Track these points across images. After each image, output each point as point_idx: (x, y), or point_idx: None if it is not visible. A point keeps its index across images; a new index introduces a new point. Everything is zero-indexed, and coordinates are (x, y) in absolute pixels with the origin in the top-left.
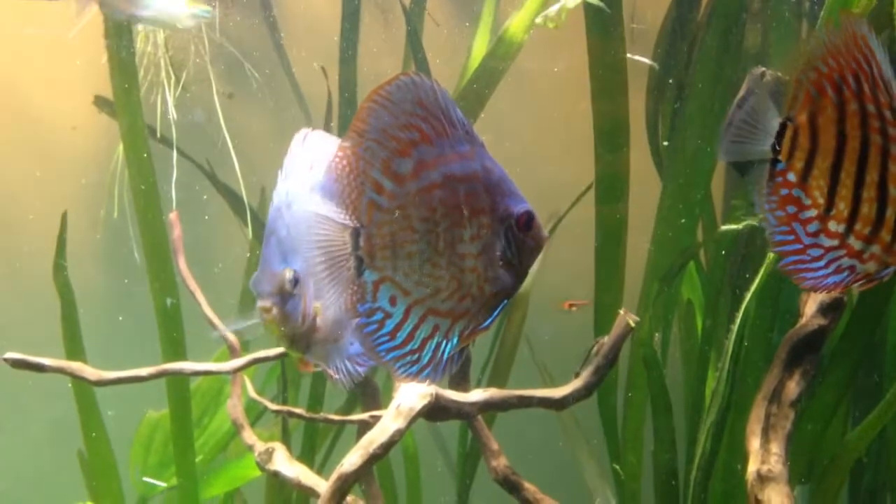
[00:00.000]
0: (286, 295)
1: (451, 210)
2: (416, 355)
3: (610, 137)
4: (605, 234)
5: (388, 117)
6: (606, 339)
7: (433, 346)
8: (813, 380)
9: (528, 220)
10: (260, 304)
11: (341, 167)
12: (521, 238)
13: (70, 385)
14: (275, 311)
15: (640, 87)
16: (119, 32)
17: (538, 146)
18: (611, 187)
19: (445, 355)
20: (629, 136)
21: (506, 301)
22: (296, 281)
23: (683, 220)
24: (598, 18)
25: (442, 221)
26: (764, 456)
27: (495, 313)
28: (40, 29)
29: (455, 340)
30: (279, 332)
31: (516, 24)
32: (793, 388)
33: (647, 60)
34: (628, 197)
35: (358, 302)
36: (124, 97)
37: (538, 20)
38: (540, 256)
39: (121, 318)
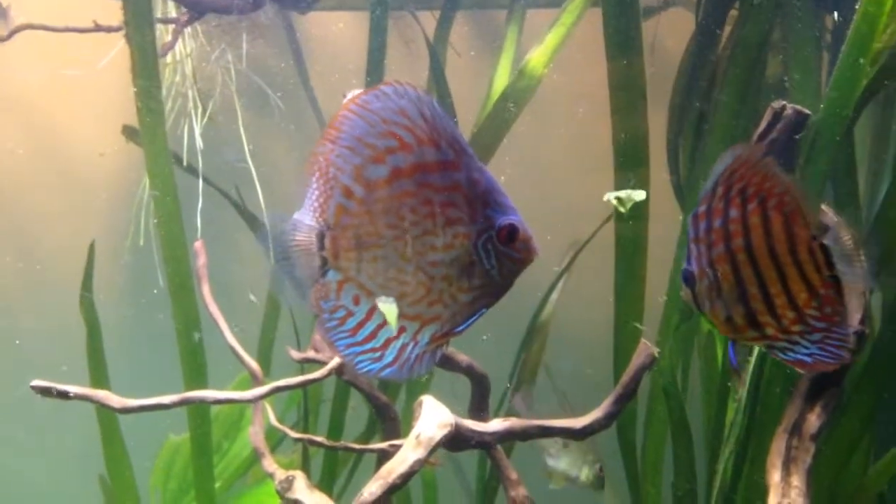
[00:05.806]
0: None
1: (423, 218)
2: (379, 353)
3: (629, 159)
4: (625, 257)
5: (364, 125)
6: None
7: (398, 346)
8: (834, 413)
9: (510, 233)
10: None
11: (310, 172)
12: (502, 250)
13: (94, 410)
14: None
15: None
16: (146, 64)
17: (557, 168)
18: (630, 208)
19: (413, 356)
20: (648, 157)
21: (483, 310)
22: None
23: None
24: (618, 42)
25: (412, 229)
26: (784, 489)
27: (469, 321)
28: (75, 69)
29: (424, 343)
30: None
31: (536, 58)
32: (814, 420)
33: None
34: (648, 218)
35: (321, 299)
36: (150, 127)
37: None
38: (560, 284)
39: (143, 344)
